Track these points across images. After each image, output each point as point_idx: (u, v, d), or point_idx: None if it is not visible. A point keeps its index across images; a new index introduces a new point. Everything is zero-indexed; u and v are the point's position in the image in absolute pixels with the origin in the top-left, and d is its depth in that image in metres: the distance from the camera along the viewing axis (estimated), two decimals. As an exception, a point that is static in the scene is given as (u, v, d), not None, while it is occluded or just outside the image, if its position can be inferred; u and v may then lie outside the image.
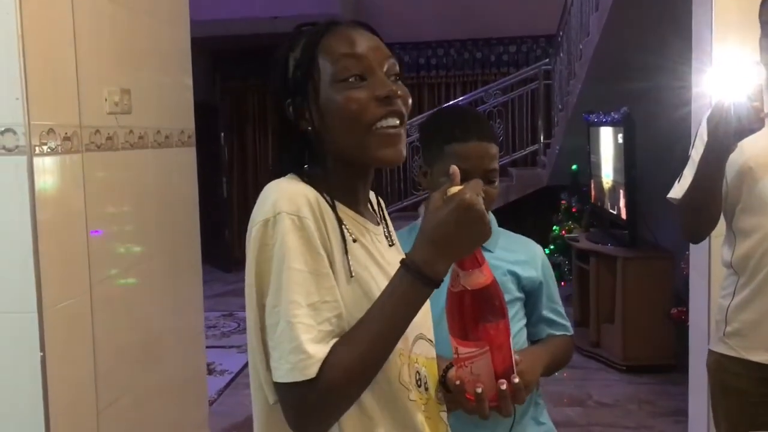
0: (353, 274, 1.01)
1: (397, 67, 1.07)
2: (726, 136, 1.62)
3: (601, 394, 4.15)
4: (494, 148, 1.50)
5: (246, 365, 5.24)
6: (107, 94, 2.15)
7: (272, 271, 0.95)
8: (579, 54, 5.68)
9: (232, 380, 4.51)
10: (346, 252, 1.01)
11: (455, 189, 0.98)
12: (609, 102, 4.85)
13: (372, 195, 1.19)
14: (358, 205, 1.10)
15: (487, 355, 1.05)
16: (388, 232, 1.18)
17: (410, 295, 0.96)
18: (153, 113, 2.49)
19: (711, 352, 1.95)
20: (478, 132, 1.50)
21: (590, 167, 5.60)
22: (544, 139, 7.34)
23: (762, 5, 1.80)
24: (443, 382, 1.18)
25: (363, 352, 0.95)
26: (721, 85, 1.65)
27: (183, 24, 2.80)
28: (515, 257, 1.60)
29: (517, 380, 1.08)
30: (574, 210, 6.14)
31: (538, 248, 1.67)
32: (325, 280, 0.97)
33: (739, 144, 1.67)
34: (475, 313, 1.05)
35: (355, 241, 1.04)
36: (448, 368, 1.18)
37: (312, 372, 0.92)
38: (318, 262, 0.96)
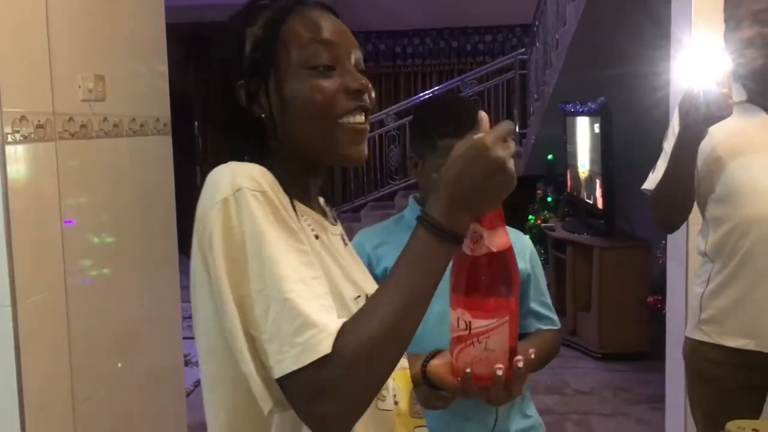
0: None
1: (362, 61, 1.00)
2: (696, 122, 1.64)
3: (578, 382, 4.19)
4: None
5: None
6: (81, 81, 2.10)
7: (248, 254, 0.82)
8: (555, 44, 5.69)
9: (208, 371, 4.47)
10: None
11: (480, 135, 0.87)
12: (585, 92, 4.86)
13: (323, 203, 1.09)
14: (310, 202, 1.00)
15: (506, 326, 0.94)
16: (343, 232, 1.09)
17: (430, 253, 0.84)
18: (128, 101, 2.44)
19: (687, 340, 1.96)
20: (472, 126, 1.47)
21: (566, 157, 5.63)
22: (519, 128, 7.35)
23: (726, 3, 1.82)
24: (425, 377, 1.11)
25: (384, 323, 0.81)
26: (692, 72, 1.66)
27: (158, 9, 2.74)
28: None
29: (521, 364, 0.96)
30: (550, 199, 6.17)
31: (527, 240, 1.66)
32: (305, 256, 0.85)
33: (710, 133, 1.69)
34: (496, 279, 0.94)
35: (317, 237, 0.95)
36: (428, 360, 1.13)
37: (326, 347, 0.78)
38: (294, 237, 0.85)
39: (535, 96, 6.84)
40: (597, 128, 4.64)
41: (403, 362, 1.04)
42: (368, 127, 0.98)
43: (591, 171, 4.97)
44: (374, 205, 7.53)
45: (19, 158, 1.79)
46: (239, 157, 0.93)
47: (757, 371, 1.83)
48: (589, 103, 4.76)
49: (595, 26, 4.57)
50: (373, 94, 0.99)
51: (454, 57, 8.54)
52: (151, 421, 2.59)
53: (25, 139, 1.81)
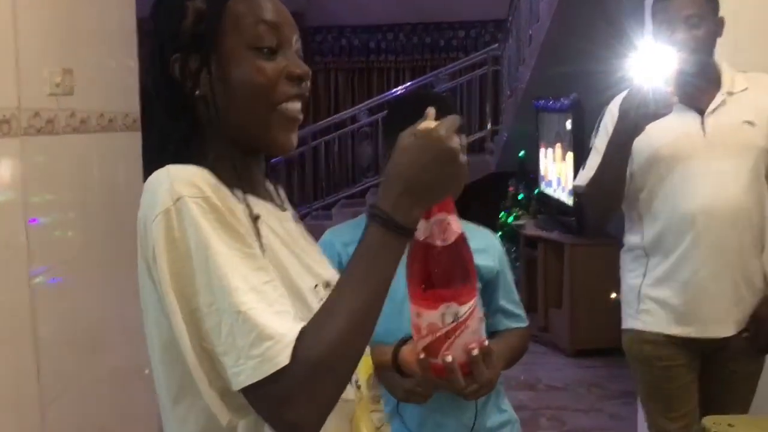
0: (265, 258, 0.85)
1: (301, 47, 0.97)
2: (638, 118, 1.70)
3: (551, 378, 4.21)
4: (464, 138, 1.46)
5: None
6: (48, 74, 2.05)
7: (194, 266, 0.79)
8: (528, 39, 5.70)
9: (178, 370, 4.42)
10: (259, 238, 0.86)
11: (427, 124, 0.85)
12: (558, 88, 4.88)
13: (270, 186, 1.05)
14: (255, 187, 0.95)
15: (478, 306, 0.97)
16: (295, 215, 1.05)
17: (383, 248, 0.82)
18: (96, 95, 2.38)
19: (626, 331, 2.05)
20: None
21: (538, 154, 5.65)
22: (492, 125, 7.37)
23: (655, 7, 1.90)
24: (396, 365, 1.12)
25: (341, 322, 0.79)
26: (639, 70, 1.72)
27: (128, 3, 2.68)
28: (473, 245, 1.57)
29: (476, 351, 0.98)
30: (521, 197, 6.19)
31: (495, 238, 1.67)
32: (255, 260, 0.82)
33: (645, 131, 1.75)
34: (469, 259, 0.96)
35: (257, 218, 0.89)
36: (399, 347, 1.13)
37: (284, 358, 0.77)
38: (242, 242, 0.82)
39: (508, 92, 6.86)
40: (569, 125, 4.66)
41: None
42: (301, 116, 0.94)
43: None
44: (346, 202, 7.49)
45: (-18, 154, 1.73)
46: (169, 138, 0.91)
47: (695, 351, 1.96)
48: (562, 99, 4.78)
49: (569, 22, 4.59)
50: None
51: (427, 53, 8.53)
52: (122, 421, 2.54)
53: (-11, 135, 1.75)
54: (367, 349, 0.98)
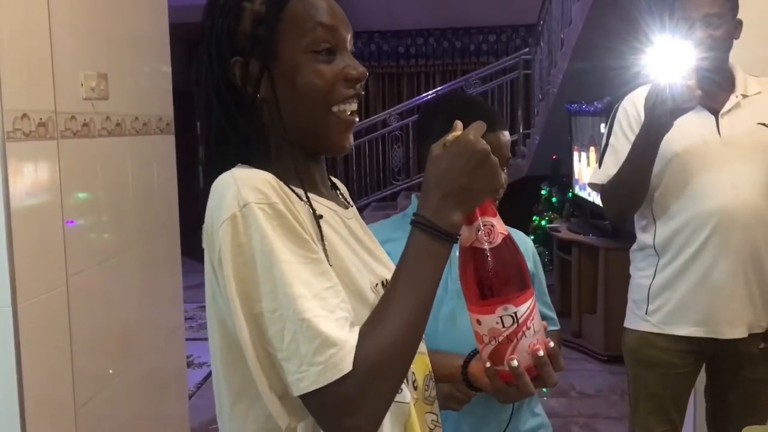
0: (331, 264, 0.87)
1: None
2: (663, 114, 1.70)
3: (584, 385, 4.15)
4: (506, 135, 1.46)
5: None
6: (83, 79, 2.07)
7: (259, 272, 0.81)
8: (560, 43, 5.66)
9: (210, 373, 4.45)
10: (322, 239, 0.88)
11: (455, 133, 0.90)
12: (591, 91, 4.83)
13: (335, 180, 1.09)
14: (317, 187, 0.98)
15: (534, 299, 0.95)
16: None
17: (428, 254, 0.85)
18: (131, 99, 2.41)
19: (631, 332, 2.04)
20: (495, 122, 1.44)
21: (571, 157, 5.59)
22: (523, 129, 7.32)
23: (676, 5, 1.89)
24: (466, 380, 1.10)
25: (394, 329, 0.82)
26: (657, 66, 1.73)
27: (162, 8, 2.72)
28: None
29: (542, 353, 0.95)
30: (555, 200, 6.13)
31: (529, 240, 1.66)
32: (318, 265, 0.84)
33: None
34: (520, 258, 0.95)
35: (320, 217, 0.91)
36: (469, 360, 1.11)
37: (348, 364, 0.79)
38: (306, 248, 0.83)
39: (540, 96, 6.81)
40: (603, 128, 4.60)
41: (421, 347, 1.03)
42: (357, 118, 0.97)
43: (596, 171, 4.94)
44: (377, 205, 7.50)
45: (20, 157, 1.75)
46: (241, 157, 0.92)
47: (704, 356, 1.97)
48: (596, 103, 4.73)
49: (602, 25, 4.54)
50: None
51: (457, 57, 8.51)
52: (154, 423, 2.56)
53: (27, 138, 1.78)
54: (425, 348, 1.03)
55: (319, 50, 0.92)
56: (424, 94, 7.81)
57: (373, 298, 0.92)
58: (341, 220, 0.97)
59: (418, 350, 0.99)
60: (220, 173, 0.89)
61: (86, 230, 2.09)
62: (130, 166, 2.42)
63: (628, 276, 2.11)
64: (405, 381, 0.95)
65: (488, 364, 0.95)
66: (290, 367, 0.80)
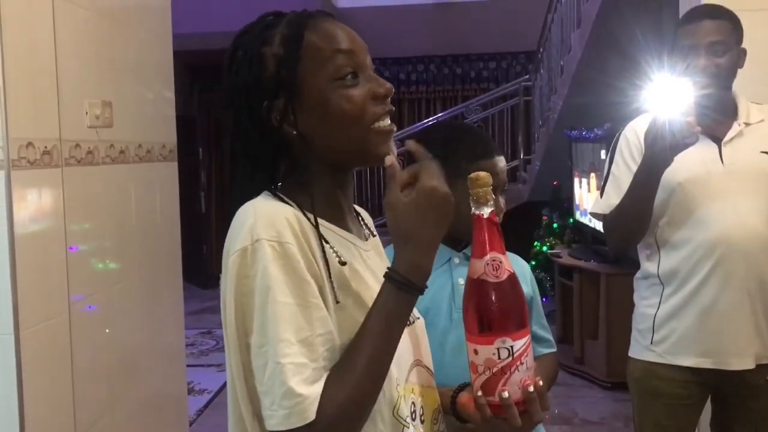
0: (339, 301, 0.91)
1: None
2: (662, 150, 1.70)
3: (587, 412, 4.12)
4: (501, 161, 1.51)
5: (226, 384, 5.13)
6: (88, 107, 2.09)
7: (255, 306, 0.85)
8: (560, 70, 5.70)
9: (211, 400, 4.42)
10: (330, 277, 0.91)
11: (405, 177, 0.93)
12: (591, 118, 4.86)
13: (361, 210, 1.12)
14: (343, 219, 1.01)
15: (530, 337, 0.99)
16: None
17: (398, 307, 0.90)
18: (135, 127, 2.43)
19: (636, 361, 2.02)
20: (491, 148, 1.50)
21: (572, 183, 5.61)
22: (524, 155, 7.35)
23: (680, 34, 1.90)
24: (454, 411, 1.10)
25: (358, 379, 0.86)
26: (656, 102, 1.73)
27: (166, 37, 2.75)
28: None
29: (531, 388, 0.97)
30: (555, 226, 6.14)
31: (525, 264, 1.68)
32: (315, 311, 0.87)
33: None
34: (521, 295, 0.98)
35: (344, 264, 0.95)
36: (458, 392, 1.12)
37: (311, 414, 0.84)
38: (306, 291, 0.86)
39: (540, 122, 6.84)
40: (603, 154, 4.62)
41: (430, 381, 1.06)
42: (394, 127, 0.99)
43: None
44: (378, 231, 7.49)
45: (25, 184, 1.77)
46: (269, 186, 0.96)
47: (709, 387, 1.95)
48: (596, 129, 4.76)
49: (601, 52, 4.58)
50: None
51: (458, 83, 8.57)
52: (154, 451, 2.54)
53: (32, 165, 1.79)
54: (434, 382, 1.06)
55: (343, 76, 0.95)
56: (424, 120, 7.85)
57: None
58: (358, 253, 1.00)
59: (427, 384, 1.03)
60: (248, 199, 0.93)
61: (88, 256, 2.10)
62: (134, 193, 2.43)
63: (630, 302, 2.10)
64: (412, 416, 0.98)
65: (479, 394, 0.98)
66: (265, 402, 0.85)
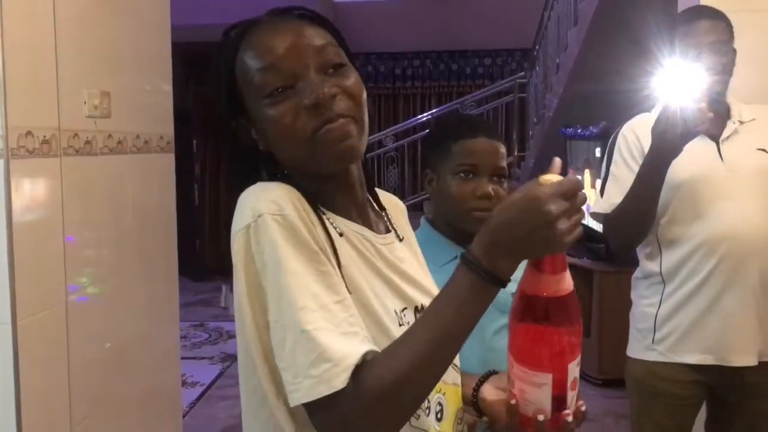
0: (346, 286, 0.86)
1: (337, 57, 0.93)
2: (674, 138, 1.68)
3: (578, 408, 4.13)
4: (502, 147, 1.48)
5: (219, 376, 5.04)
6: (87, 97, 2.09)
7: (267, 281, 0.82)
8: (556, 67, 5.71)
9: (204, 392, 4.42)
10: (337, 258, 0.88)
11: (549, 178, 0.82)
12: (586, 115, 4.87)
13: (390, 200, 1.10)
14: (343, 209, 0.96)
15: (577, 368, 0.91)
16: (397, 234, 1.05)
17: (469, 292, 0.81)
18: (132, 117, 2.43)
19: (636, 361, 2.01)
20: (485, 129, 1.49)
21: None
22: (518, 152, 7.36)
23: (679, 34, 1.90)
24: (475, 402, 1.08)
25: (412, 357, 0.79)
26: (668, 89, 1.70)
27: (165, 28, 2.74)
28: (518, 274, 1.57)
29: (570, 418, 0.91)
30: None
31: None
32: (327, 277, 0.84)
33: None
34: (577, 317, 0.91)
35: (341, 234, 0.92)
36: (481, 383, 1.09)
37: (341, 381, 0.77)
38: (316, 260, 0.84)
39: (535, 119, 6.86)
40: (598, 152, 4.63)
41: (456, 379, 1.03)
42: (349, 123, 0.91)
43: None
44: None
45: (24, 173, 1.76)
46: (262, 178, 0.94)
47: (711, 386, 1.94)
48: (591, 127, 4.77)
49: (598, 50, 4.59)
50: (353, 90, 0.92)
51: (453, 80, 8.58)
52: (148, 442, 2.54)
53: (30, 154, 1.79)
54: (459, 380, 1.02)
55: (269, 94, 0.91)
56: (420, 116, 7.85)
57: (389, 322, 0.91)
58: (370, 244, 0.96)
59: (452, 382, 1.00)
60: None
61: (86, 246, 2.09)
62: (131, 184, 2.43)
63: (623, 300, 2.08)
64: (425, 409, 0.94)
65: (513, 401, 0.92)
66: (287, 377, 0.81)
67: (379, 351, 0.82)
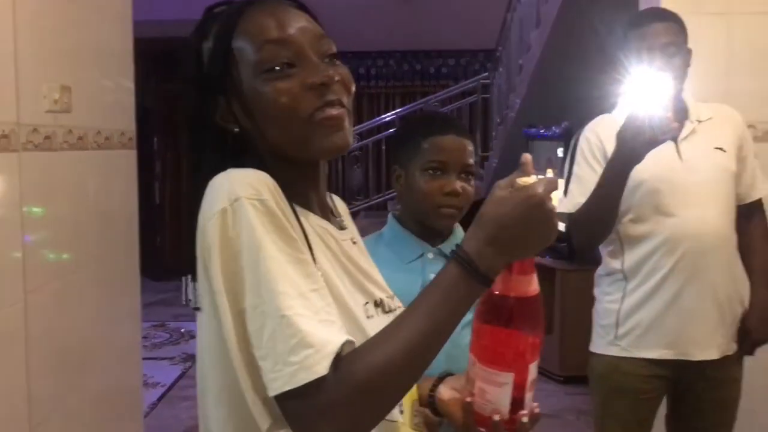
0: (315, 261, 0.85)
1: (333, 47, 0.93)
2: (641, 145, 1.69)
3: (541, 405, 4.10)
4: (471, 145, 1.50)
5: (180, 377, 4.97)
6: (47, 91, 2.04)
7: (245, 266, 0.79)
8: (519, 68, 5.76)
9: (165, 393, 4.36)
10: (309, 245, 0.86)
11: (526, 180, 0.83)
12: (548, 116, 4.92)
13: (336, 199, 1.08)
14: (309, 204, 0.95)
15: (535, 370, 0.92)
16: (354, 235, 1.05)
17: (457, 288, 0.81)
18: (94, 113, 2.38)
19: (599, 356, 2.04)
20: (455, 127, 1.50)
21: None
22: (481, 152, 7.41)
23: (631, 36, 1.92)
24: (432, 403, 1.08)
25: (395, 350, 0.78)
26: (635, 97, 1.71)
27: (126, 23, 2.70)
28: None
29: (525, 419, 0.91)
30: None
31: None
32: (305, 266, 0.82)
33: None
34: (539, 318, 0.92)
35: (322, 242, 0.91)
36: (437, 384, 1.09)
37: (323, 368, 0.75)
38: (294, 247, 0.81)
39: (498, 120, 6.91)
40: (560, 152, 4.69)
41: None
42: (346, 114, 0.91)
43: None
44: (367, 213, 7.47)
45: (-20, 169, 1.72)
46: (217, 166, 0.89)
47: (672, 380, 1.98)
48: (554, 128, 4.82)
49: (559, 52, 4.64)
50: (351, 84, 0.93)
51: (417, 79, 8.60)
52: (109, 444, 2.50)
53: (-12, 150, 1.74)
54: None
55: (272, 68, 0.89)
56: (384, 115, 7.86)
57: (359, 315, 0.91)
58: (334, 239, 0.96)
59: None
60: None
61: (45, 244, 2.05)
62: (92, 181, 2.38)
63: (585, 297, 2.11)
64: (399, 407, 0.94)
65: (469, 400, 0.93)
66: (266, 365, 0.77)
67: (355, 342, 0.81)
